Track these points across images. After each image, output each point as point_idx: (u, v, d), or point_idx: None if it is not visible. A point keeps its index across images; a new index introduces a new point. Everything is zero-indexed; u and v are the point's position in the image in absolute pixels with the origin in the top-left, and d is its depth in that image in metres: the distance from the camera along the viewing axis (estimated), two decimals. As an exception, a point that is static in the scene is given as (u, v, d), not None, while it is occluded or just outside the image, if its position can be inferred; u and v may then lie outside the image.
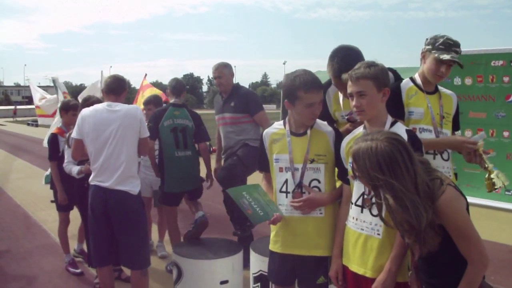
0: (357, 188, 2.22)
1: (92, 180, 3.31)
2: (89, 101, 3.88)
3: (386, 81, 2.18)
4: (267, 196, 2.48)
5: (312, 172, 2.42)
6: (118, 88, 3.43)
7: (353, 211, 2.24)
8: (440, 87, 2.73)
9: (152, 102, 4.93)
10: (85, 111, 3.36)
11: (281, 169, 2.47)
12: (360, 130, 2.30)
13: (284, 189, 2.46)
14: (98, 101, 4.14)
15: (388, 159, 1.70)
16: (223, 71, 4.42)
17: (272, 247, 2.58)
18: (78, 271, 4.60)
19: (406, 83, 2.72)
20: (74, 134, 3.39)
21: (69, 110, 4.45)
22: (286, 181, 2.45)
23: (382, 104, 2.20)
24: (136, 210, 3.30)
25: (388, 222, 1.90)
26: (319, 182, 2.42)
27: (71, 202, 4.46)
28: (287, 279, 2.57)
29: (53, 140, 4.48)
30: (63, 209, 4.62)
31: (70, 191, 4.30)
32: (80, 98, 6.52)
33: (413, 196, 1.68)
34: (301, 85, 2.33)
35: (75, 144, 3.42)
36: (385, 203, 1.74)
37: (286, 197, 2.45)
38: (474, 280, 1.76)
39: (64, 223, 4.72)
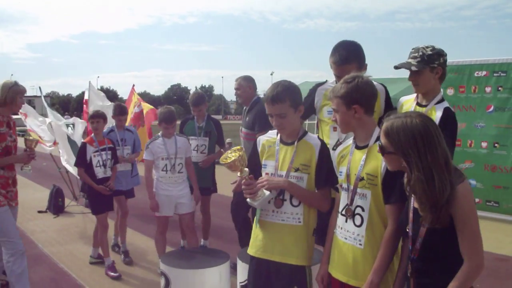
0: (343, 198, 2.27)
1: None
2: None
3: (356, 98, 2.16)
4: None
5: (295, 181, 2.47)
6: None
7: (339, 220, 2.30)
8: (436, 106, 2.64)
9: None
10: None
11: (267, 175, 2.53)
12: (350, 141, 2.37)
13: None
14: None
15: (424, 133, 1.75)
16: (241, 83, 4.66)
17: (250, 251, 2.60)
18: (116, 274, 4.72)
19: (409, 96, 2.90)
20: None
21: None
22: None
23: (362, 118, 2.20)
24: None
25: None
26: None
27: (104, 205, 4.75)
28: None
29: (82, 148, 4.82)
30: (99, 211, 4.80)
31: (102, 196, 4.69)
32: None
33: (442, 171, 1.73)
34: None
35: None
36: (412, 175, 1.77)
37: (269, 202, 2.48)
38: (467, 280, 1.75)
39: (103, 227, 4.82)
